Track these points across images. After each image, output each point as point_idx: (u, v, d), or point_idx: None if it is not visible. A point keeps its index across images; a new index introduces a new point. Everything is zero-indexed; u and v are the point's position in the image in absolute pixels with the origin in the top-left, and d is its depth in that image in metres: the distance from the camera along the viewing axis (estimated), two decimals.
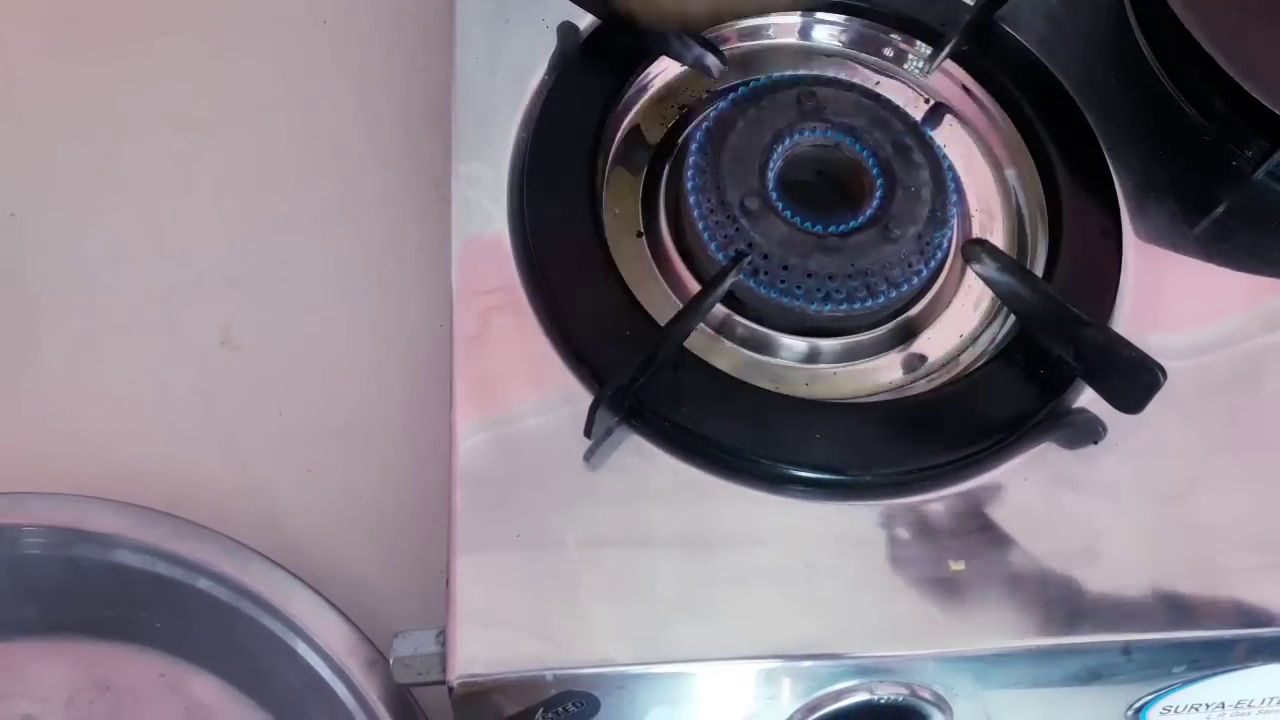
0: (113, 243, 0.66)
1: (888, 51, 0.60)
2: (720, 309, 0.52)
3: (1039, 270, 0.53)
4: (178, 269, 0.65)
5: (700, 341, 0.51)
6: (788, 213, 0.51)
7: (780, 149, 0.52)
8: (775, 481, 0.47)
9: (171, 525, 0.53)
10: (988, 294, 0.53)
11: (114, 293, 0.65)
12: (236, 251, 0.66)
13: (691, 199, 0.51)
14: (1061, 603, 0.45)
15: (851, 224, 0.51)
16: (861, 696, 0.45)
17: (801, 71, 0.58)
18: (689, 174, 0.52)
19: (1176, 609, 0.46)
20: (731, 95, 0.55)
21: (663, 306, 0.51)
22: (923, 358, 0.53)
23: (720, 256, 0.50)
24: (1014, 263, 0.51)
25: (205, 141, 0.69)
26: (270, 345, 0.64)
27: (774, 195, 0.51)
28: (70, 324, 0.64)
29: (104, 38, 0.72)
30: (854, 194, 0.53)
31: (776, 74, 0.57)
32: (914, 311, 0.53)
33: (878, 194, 0.52)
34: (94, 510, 0.54)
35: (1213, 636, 0.46)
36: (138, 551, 0.53)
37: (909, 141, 0.53)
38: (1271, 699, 0.49)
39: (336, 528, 0.58)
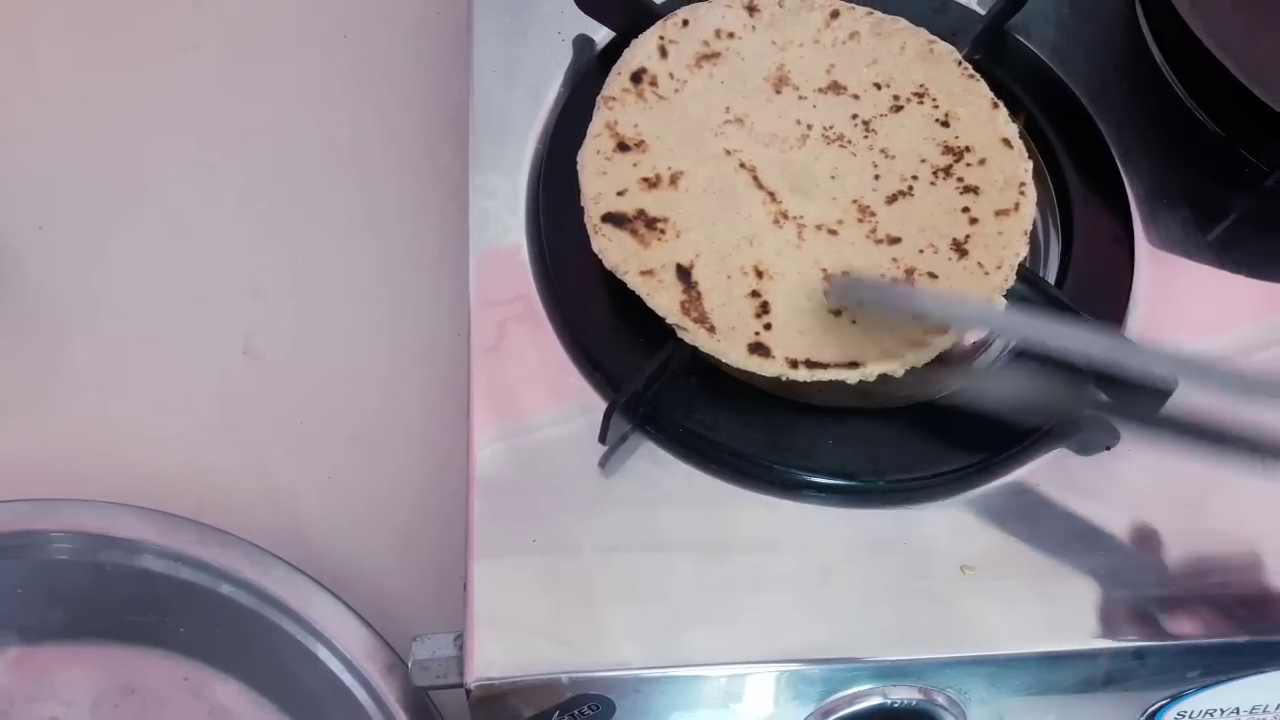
0: (138, 254, 0.67)
1: None
2: None
3: (1051, 277, 0.54)
4: (201, 280, 0.66)
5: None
6: None
7: None
8: (789, 487, 0.48)
9: (195, 531, 0.54)
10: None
11: (139, 303, 0.65)
12: (259, 262, 0.67)
13: None
14: (1075, 607, 0.46)
15: None
16: (876, 700, 0.45)
17: None
18: None
19: (1190, 614, 0.46)
20: None
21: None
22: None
23: None
24: (1026, 269, 0.51)
25: (228, 154, 0.70)
26: (292, 354, 0.64)
27: None
28: (97, 334, 0.64)
29: (129, 52, 0.73)
30: None
31: None
32: None
33: None
34: (120, 516, 0.54)
35: (1227, 642, 0.46)
36: (163, 557, 0.54)
37: None
38: None
39: (356, 534, 0.59)
